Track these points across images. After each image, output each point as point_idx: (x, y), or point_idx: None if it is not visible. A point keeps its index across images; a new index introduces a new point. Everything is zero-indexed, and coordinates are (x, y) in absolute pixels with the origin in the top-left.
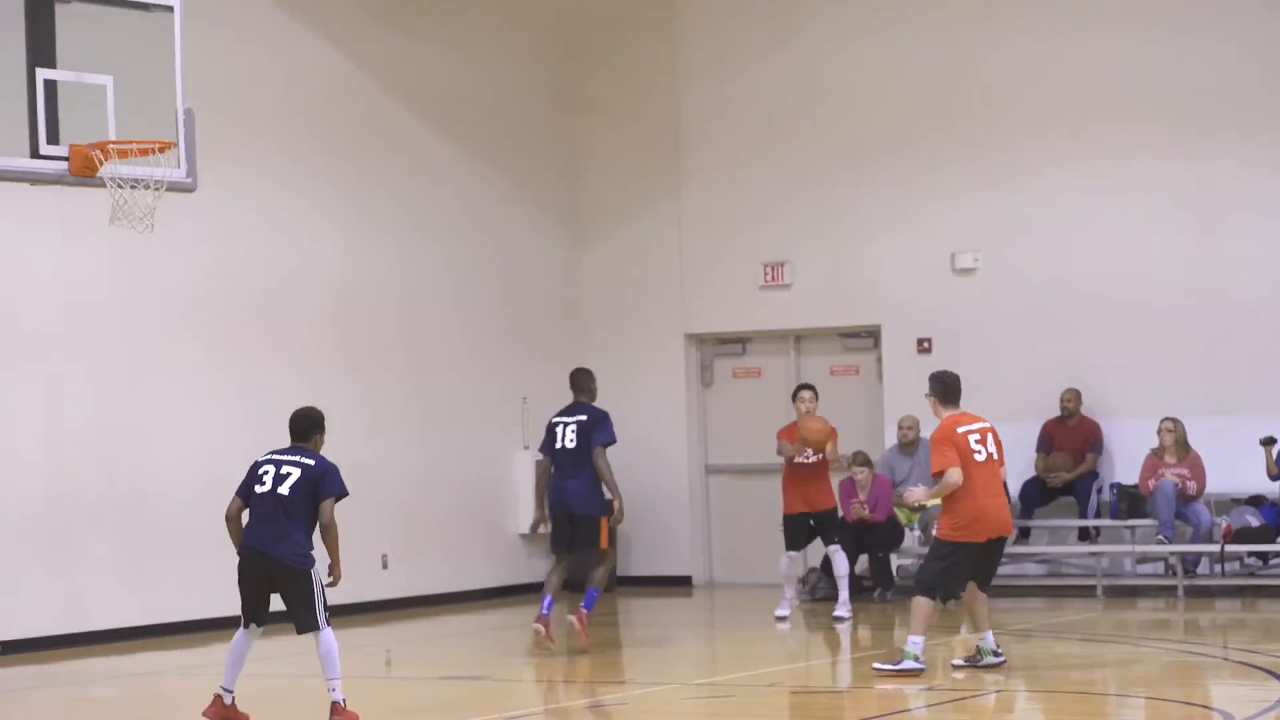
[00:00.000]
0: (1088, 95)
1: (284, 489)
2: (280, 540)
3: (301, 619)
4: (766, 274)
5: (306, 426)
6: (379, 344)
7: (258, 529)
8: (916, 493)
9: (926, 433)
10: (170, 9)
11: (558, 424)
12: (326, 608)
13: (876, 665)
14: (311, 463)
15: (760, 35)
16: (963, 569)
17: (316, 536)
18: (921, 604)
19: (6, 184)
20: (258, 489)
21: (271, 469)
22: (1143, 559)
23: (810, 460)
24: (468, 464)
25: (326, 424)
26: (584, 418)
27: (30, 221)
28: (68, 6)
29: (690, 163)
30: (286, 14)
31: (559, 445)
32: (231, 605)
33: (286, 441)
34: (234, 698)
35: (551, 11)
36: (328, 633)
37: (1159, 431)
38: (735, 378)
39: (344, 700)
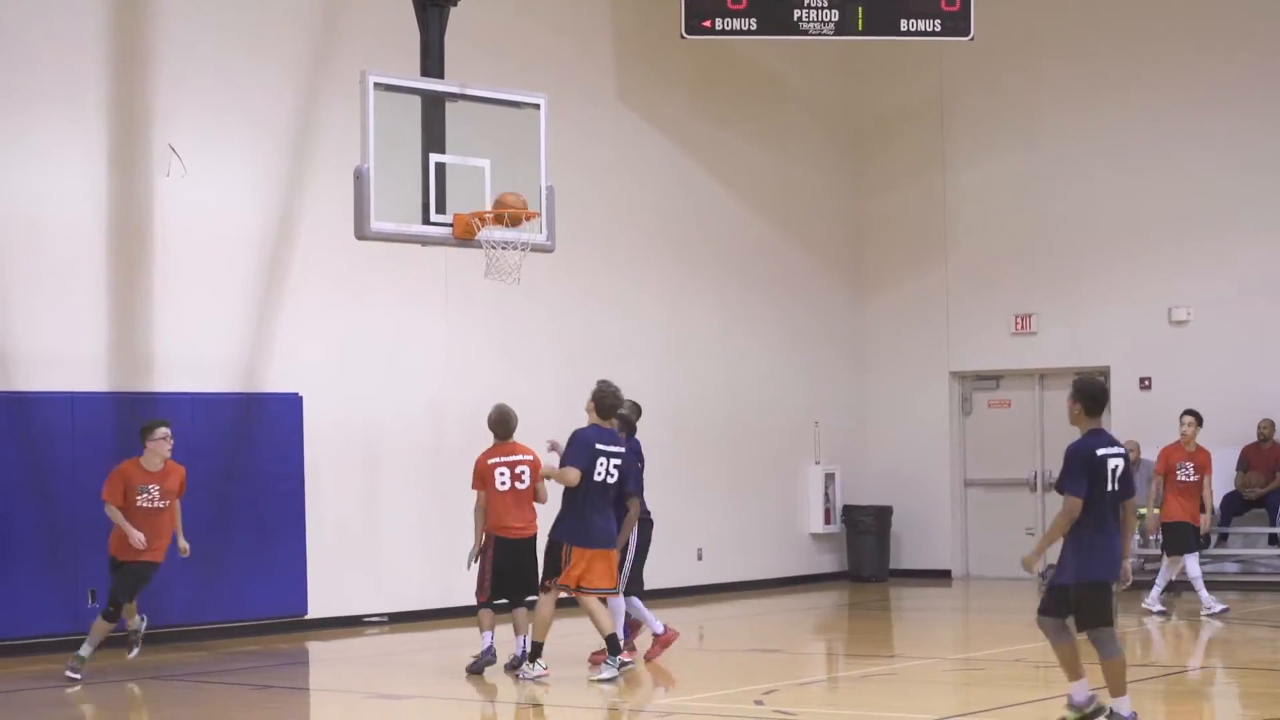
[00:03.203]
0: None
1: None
2: None
3: None
4: (1017, 323)
5: None
6: (702, 377)
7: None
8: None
9: (1148, 454)
10: (537, 106)
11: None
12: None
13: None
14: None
15: (1012, 130)
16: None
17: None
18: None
19: (404, 245)
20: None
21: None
22: None
23: (1193, 479)
24: (770, 475)
25: None
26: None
27: (420, 276)
28: (455, 105)
29: (955, 232)
30: (630, 110)
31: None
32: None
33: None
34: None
35: (843, 110)
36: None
37: None
38: (990, 408)
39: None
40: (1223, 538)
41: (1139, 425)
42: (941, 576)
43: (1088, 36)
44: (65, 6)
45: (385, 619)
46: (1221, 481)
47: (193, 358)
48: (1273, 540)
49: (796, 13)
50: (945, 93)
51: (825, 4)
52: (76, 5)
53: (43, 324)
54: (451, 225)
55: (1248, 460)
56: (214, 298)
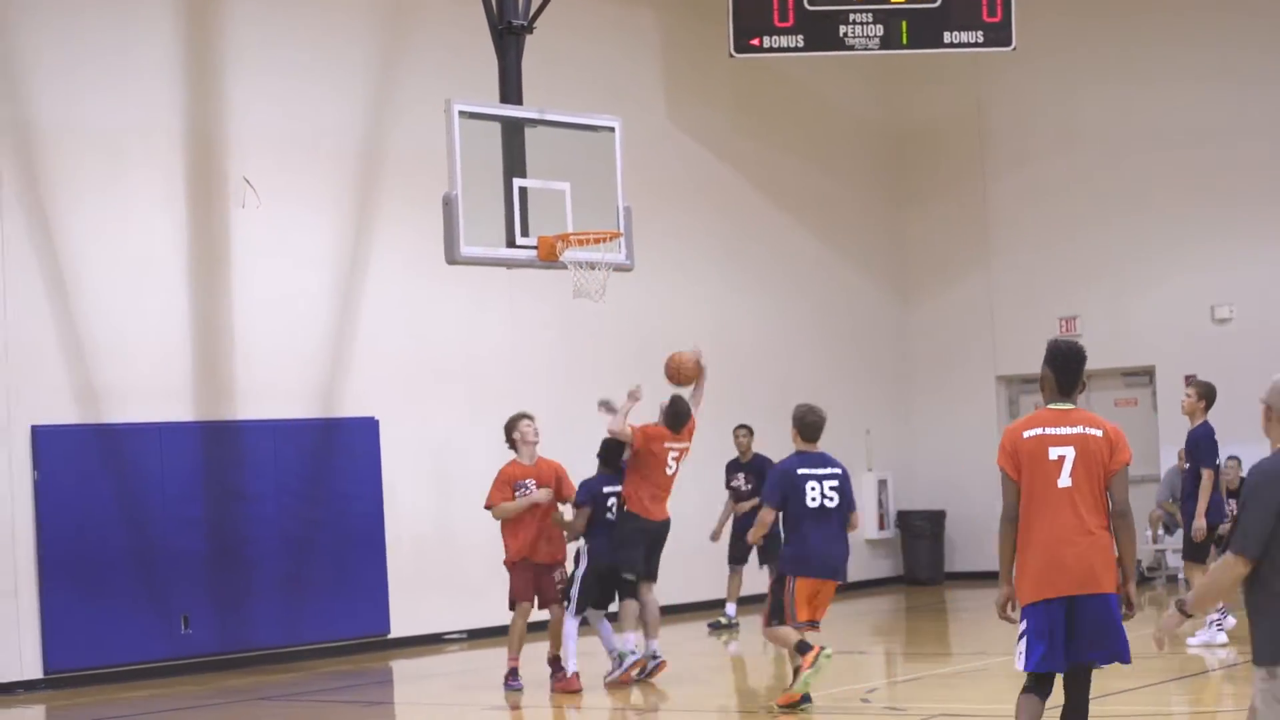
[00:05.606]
0: None
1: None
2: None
3: None
4: (1061, 325)
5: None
6: (752, 388)
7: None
8: None
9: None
10: (611, 129)
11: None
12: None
13: None
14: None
15: (1051, 134)
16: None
17: None
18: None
19: (470, 268)
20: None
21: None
22: None
23: None
24: None
25: None
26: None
27: (487, 298)
28: (534, 130)
29: (996, 238)
30: (680, 131)
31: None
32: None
33: None
34: None
35: (882, 122)
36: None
37: None
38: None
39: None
40: None
41: (1185, 422)
42: (995, 578)
43: (1125, 40)
44: (139, 41)
45: (465, 636)
46: None
47: (272, 385)
48: None
49: (842, 29)
50: (983, 100)
51: (870, 19)
52: (149, 40)
53: (127, 356)
54: (536, 248)
55: None
56: (291, 326)
